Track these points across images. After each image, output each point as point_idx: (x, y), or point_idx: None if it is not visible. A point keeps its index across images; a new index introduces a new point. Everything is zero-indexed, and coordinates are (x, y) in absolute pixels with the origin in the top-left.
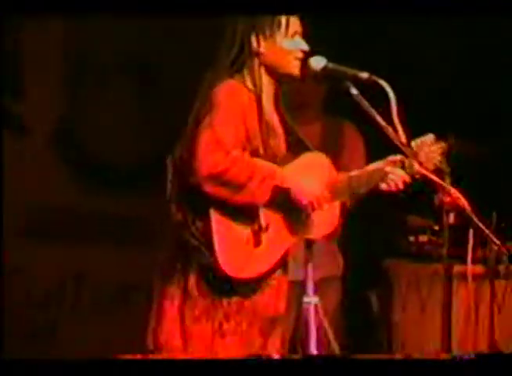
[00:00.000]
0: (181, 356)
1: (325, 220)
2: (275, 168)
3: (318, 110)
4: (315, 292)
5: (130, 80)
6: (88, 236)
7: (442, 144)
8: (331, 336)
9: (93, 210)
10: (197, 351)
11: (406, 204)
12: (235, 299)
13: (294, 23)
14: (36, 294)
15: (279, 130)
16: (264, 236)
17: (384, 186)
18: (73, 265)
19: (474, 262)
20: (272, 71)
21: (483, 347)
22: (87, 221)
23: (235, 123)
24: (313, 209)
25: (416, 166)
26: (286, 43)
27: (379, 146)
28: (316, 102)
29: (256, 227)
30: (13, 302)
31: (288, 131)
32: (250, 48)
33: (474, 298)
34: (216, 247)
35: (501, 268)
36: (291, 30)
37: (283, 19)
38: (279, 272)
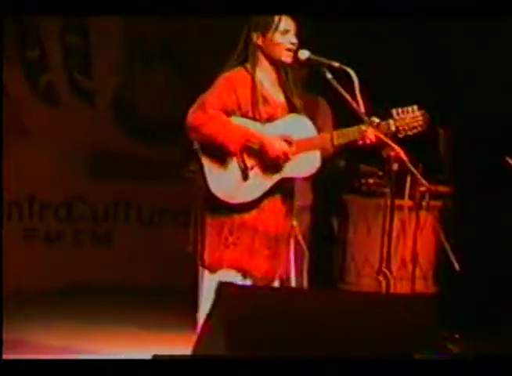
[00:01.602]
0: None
1: (307, 163)
2: (248, 124)
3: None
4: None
5: (165, 63)
6: (133, 173)
7: (423, 113)
8: (305, 248)
9: (140, 155)
10: (209, 255)
11: (360, 156)
12: (237, 217)
13: (286, 21)
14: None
15: (277, 101)
16: (251, 173)
17: (360, 141)
18: (122, 194)
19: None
20: (269, 59)
21: (408, 257)
22: (135, 163)
23: (222, 93)
24: (281, 161)
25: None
26: (279, 38)
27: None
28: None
29: (242, 166)
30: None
31: (290, 104)
32: (251, 43)
33: (405, 223)
34: (207, 178)
35: (423, 202)
36: (282, 28)
37: (276, 18)
38: (275, 198)
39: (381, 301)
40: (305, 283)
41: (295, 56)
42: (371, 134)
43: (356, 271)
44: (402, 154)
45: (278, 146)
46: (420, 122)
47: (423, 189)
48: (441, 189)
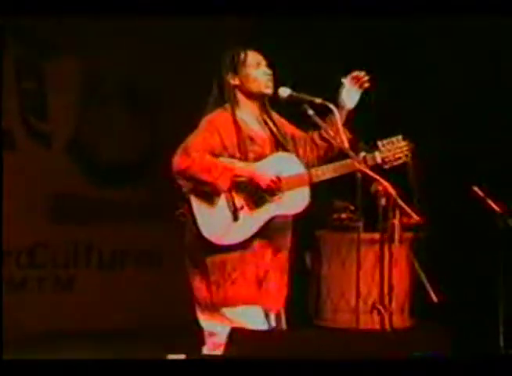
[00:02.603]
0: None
1: (295, 201)
2: (234, 162)
3: None
4: None
5: (123, 104)
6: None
7: (408, 143)
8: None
9: (99, 197)
10: (215, 293)
11: (332, 190)
12: (236, 254)
13: (253, 56)
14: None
15: (263, 138)
16: (240, 213)
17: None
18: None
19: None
20: (249, 95)
21: (385, 290)
22: (95, 206)
23: (205, 136)
24: (272, 190)
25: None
26: (252, 72)
27: None
28: None
29: (232, 207)
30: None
31: (274, 139)
32: (226, 84)
33: (378, 256)
34: (198, 221)
35: (396, 235)
36: (253, 62)
37: (242, 54)
38: (264, 237)
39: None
40: (283, 320)
41: (274, 88)
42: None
43: (332, 307)
44: (390, 189)
45: (268, 176)
46: (405, 152)
47: (394, 221)
48: (413, 220)
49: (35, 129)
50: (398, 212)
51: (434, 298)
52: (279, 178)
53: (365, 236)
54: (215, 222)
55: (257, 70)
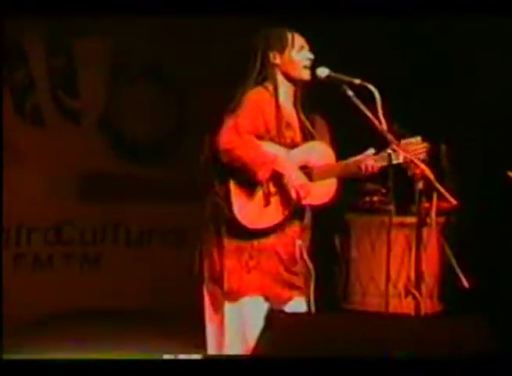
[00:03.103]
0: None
1: (323, 191)
2: (278, 152)
3: None
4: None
5: (150, 81)
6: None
7: (426, 144)
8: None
9: (128, 176)
10: (230, 280)
11: None
12: (255, 242)
13: (298, 39)
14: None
15: (296, 124)
16: (272, 199)
17: (361, 173)
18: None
19: (409, 214)
20: (288, 77)
21: (413, 275)
22: (123, 184)
23: (253, 117)
24: (298, 199)
25: (401, 153)
26: (295, 55)
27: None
28: None
29: (266, 191)
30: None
31: (303, 126)
32: (269, 62)
33: (409, 240)
34: (234, 204)
35: (428, 219)
36: (297, 45)
37: (290, 37)
38: (293, 223)
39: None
40: (312, 304)
41: (313, 73)
42: (369, 167)
43: (361, 290)
44: (428, 172)
45: (294, 183)
46: (423, 155)
47: (427, 205)
48: (445, 205)
49: (65, 106)
50: (434, 196)
51: (466, 284)
52: (310, 172)
53: (396, 219)
54: (249, 205)
55: (300, 54)
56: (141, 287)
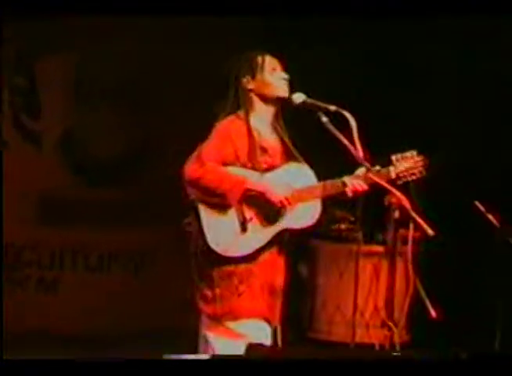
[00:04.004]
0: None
1: (306, 214)
2: (247, 174)
3: None
4: None
5: (113, 102)
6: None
7: (423, 158)
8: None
9: (89, 199)
10: (222, 306)
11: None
12: (242, 267)
13: (270, 60)
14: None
15: (274, 147)
16: (249, 225)
17: (347, 191)
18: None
19: (375, 243)
20: (264, 100)
21: (381, 304)
22: (83, 207)
23: (219, 145)
24: (284, 206)
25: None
26: (268, 77)
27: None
28: None
29: (241, 218)
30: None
31: (285, 148)
32: (241, 88)
33: (377, 269)
34: (205, 231)
35: (395, 248)
36: (269, 67)
37: (259, 59)
38: (272, 250)
39: None
40: (279, 332)
41: (290, 100)
42: (352, 187)
43: (327, 319)
44: (405, 202)
45: (280, 191)
46: (420, 168)
47: (393, 233)
48: (416, 234)
49: (26, 128)
50: (411, 226)
51: (433, 314)
52: (292, 191)
53: (364, 248)
54: (223, 232)
55: (273, 75)
56: (99, 312)
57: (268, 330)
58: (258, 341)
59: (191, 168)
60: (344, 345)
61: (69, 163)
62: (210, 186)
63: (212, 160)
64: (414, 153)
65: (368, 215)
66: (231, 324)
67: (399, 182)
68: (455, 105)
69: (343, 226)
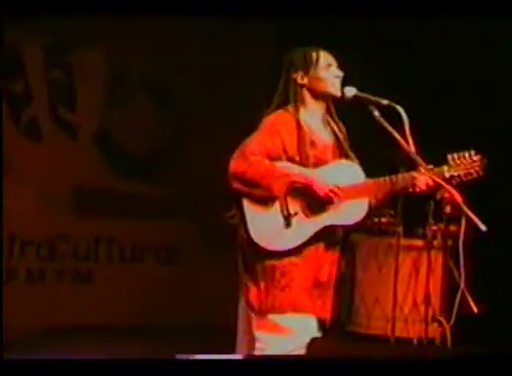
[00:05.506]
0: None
1: (353, 210)
2: (293, 168)
3: None
4: None
5: (151, 96)
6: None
7: (480, 157)
8: None
9: (122, 191)
10: (263, 300)
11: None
12: (286, 260)
13: (325, 57)
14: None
15: (324, 142)
16: (293, 220)
17: (410, 189)
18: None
19: (414, 237)
20: (316, 96)
21: (420, 298)
22: (117, 199)
23: (265, 138)
24: (330, 200)
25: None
26: (322, 73)
27: None
28: None
29: (285, 213)
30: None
31: (337, 143)
32: (293, 83)
33: (417, 263)
34: (248, 225)
35: (435, 242)
36: (323, 63)
37: (314, 55)
38: (318, 245)
39: None
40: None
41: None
42: (422, 182)
43: (366, 313)
44: (457, 196)
45: (321, 184)
46: (477, 168)
47: (434, 228)
48: (453, 228)
49: (62, 119)
50: (463, 220)
51: (475, 309)
52: (338, 188)
53: (404, 241)
54: (266, 227)
55: (327, 72)
56: (133, 303)
57: (313, 323)
58: (303, 336)
59: (235, 163)
60: (383, 339)
61: (103, 155)
62: (256, 180)
63: (257, 153)
64: (472, 152)
65: (408, 209)
66: (275, 318)
67: (454, 182)
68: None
69: (383, 220)
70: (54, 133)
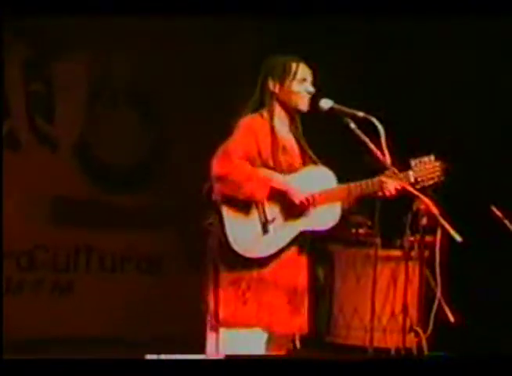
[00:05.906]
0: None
1: (327, 215)
2: (272, 174)
3: None
4: None
5: (128, 106)
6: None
7: (441, 163)
8: None
9: (102, 201)
10: (224, 311)
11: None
12: (255, 272)
13: (303, 70)
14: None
15: (293, 149)
16: (271, 226)
17: (380, 193)
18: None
19: (392, 248)
20: (285, 107)
21: (398, 308)
22: (97, 210)
23: (245, 141)
24: (306, 207)
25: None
26: (295, 86)
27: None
28: None
29: (263, 219)
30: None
31: (302, 151)
32: (267, 90)
33: (395, 273)
34: (227, 231)
35: (412, 253)
36: (300, 77)
37: (294, 66)
38: (292, 250)
39: None
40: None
41: (313, 105)
42: (391, 186)
43: (345, 323)
44: (433, 208)
45: (298, 192)
46: (438, 173)
47: (411, 238)
48: (429, 238)
49: (42, 131)
50: (439, 232)
51: (451, 319)
52: (312, 196)
53: (382, 252)
54: (244, 233)
55: (301, 86)
56: (113, 314)
57: (263, 339)
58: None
59: (219, 164)
60: (362, 350)
61: (83, 166)
62: (238, 183)
63: (240, 156)
64: (432, 157)
65: (385, 220)
66: (225, 332)
67: (417, 187)
68: (473, 108)
69: (361, 231)
70: (33, 145)
